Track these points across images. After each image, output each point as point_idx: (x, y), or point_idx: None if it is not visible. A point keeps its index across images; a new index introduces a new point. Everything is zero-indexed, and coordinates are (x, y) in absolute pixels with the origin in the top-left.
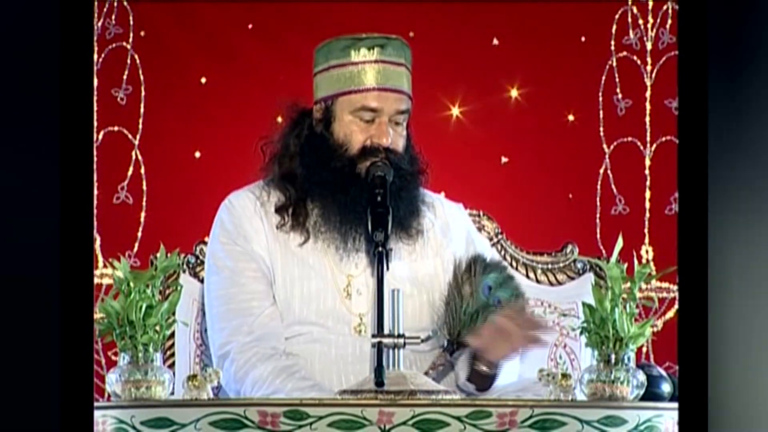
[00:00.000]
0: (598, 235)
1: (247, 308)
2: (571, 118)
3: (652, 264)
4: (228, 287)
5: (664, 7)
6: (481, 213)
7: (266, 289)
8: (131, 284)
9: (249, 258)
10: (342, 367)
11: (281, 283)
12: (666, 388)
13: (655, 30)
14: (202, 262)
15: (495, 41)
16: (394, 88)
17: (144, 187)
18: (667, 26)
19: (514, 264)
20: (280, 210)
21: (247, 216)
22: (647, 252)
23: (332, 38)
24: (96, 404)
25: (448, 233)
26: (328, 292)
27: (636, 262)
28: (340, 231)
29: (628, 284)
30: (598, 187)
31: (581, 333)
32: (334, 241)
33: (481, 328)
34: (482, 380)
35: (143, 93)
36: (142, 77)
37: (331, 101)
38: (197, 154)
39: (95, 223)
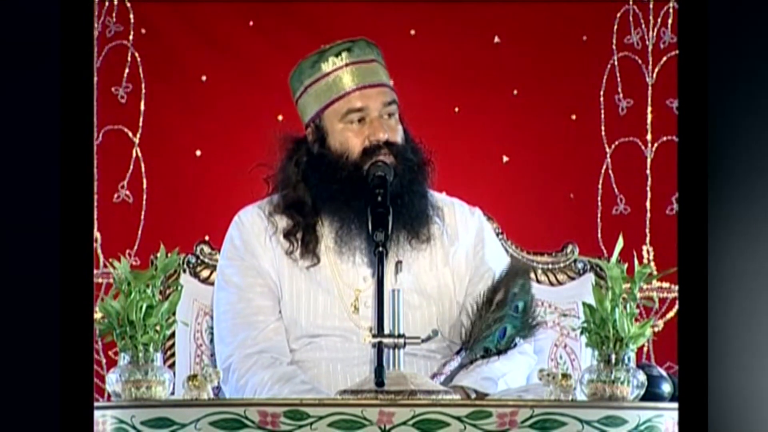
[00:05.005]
0: (599, 235)
1: (252, 323)
2: (572, 117)
3: (653, 264)
4: (235, 302)
5: (666, 7)
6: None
7: (272, 305)
8: (131, 284)
9: (256, 273)
10: (348, 370)
11: (288, 298)
12: (666, 388)
13: (656, 30)
14: (203, 262)
15: (496, 39)
16: (373, 84)
17: (144, 186)
18: (669, 26)
19: None
20: (288, 236)
21: (255, 233)
22: (648, 252)
23: (299, 61)
24: (96, 404)
25: (456, 241)
26: (335, 307)
27: (636, 262)
28: (361, 238)
29: (629, 284)
30: (599, 186)
31: (581, 333)
32: (342, 255)
33: None
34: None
35: (143, 91)
36: (142, 75)
37: (318, 118)
38: (198, 153)
39: (96, 222)
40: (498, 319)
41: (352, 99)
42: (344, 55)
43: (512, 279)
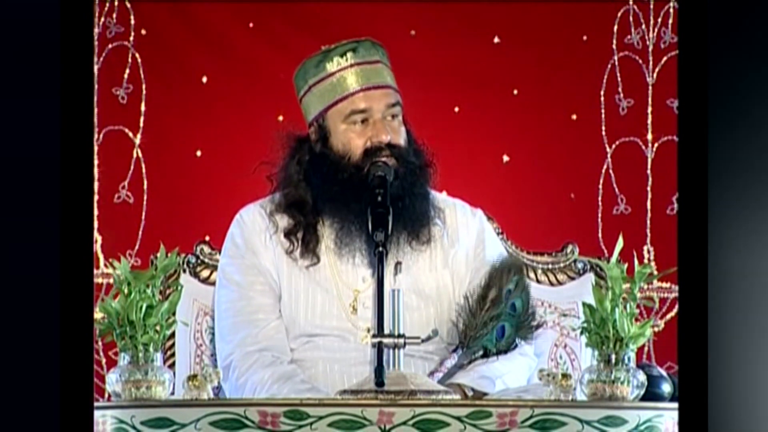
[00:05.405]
0: (600, 235)
1: (253, 321)
2: (573, 117)
3: (653, 264)
4: (236, 300)
5: (666, 7)
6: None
7: (273, 303)
8: (131, 284)
9: (257, 272)
10: (346, 369)
11: (287, 298)
12: (666, 388)
13: (656, 29)
14: (203, 262)
15: (496, 39)
16: (378, 85)
17: (145, 186)
18: (669, 26)
19: None
20: (288, 236)
21: (256, 231)
22: (649, 252)
23: (304, 60)
24: (96, 404)
25: (456, 243)
26: (333, 308)
27: (637, 262)
28: (361, 240)
29: (629, 284)
30: (600, 186)
31: (581, 333)
32: (342, 256)
33: None
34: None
35: (144, 92)
36: (143, 76)
37: (322, 118)
38: (198, 153)
39: (96, 223)
40: (494, 317)
41: (355, 100)
42: (349, 55)
43: (505, 275)
